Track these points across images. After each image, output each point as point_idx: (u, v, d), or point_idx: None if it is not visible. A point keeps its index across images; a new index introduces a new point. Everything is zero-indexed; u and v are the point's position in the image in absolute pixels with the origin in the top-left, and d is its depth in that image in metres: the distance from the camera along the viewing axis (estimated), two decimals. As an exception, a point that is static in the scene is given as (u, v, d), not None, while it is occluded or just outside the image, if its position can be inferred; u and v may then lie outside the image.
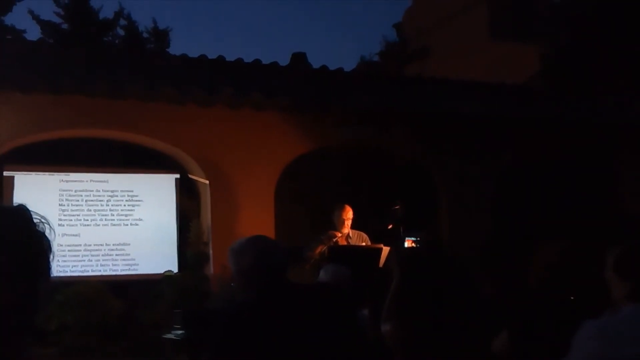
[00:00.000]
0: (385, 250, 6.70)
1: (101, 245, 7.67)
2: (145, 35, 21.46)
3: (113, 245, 7.72)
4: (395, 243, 6.75)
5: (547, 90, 11.42)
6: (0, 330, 1.05)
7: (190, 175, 8.05)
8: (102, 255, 7.65)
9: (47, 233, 1.14)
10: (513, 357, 2.61)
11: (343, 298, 2.87)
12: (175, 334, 6.30)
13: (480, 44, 15.07)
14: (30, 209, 1.15)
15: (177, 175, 8.12)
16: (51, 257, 1.14)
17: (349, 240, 7.05)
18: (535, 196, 9.10)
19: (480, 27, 15.35)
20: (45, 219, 1.14)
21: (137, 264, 7.77)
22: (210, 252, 7.59)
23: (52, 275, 1.14)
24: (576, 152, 9.48)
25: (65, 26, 19.93)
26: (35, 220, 1.13)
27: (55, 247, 1.16)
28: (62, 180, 7.67)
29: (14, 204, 1.17)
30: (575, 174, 9.37)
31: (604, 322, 2.18)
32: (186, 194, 8.20)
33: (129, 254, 7.77)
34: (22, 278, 1.07)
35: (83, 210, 7.67)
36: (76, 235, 7.56)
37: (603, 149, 9.50)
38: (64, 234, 7.42)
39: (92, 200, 7.73)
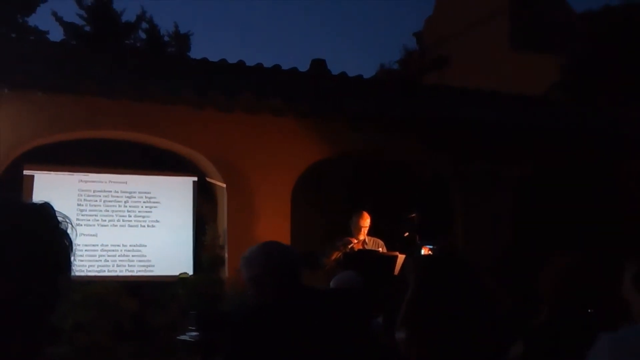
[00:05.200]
0: (401, 258, 6.69)
1: (118, 245, 7.72)
2: (166, 38, 21.60)
3: (130, 246, 7.77)
4: (411, 251, 6.74)
5: (566, 101, 11.35)
6: (17, 326, 1.06)
7: (207, 179, 8.09)
8: (119, 255, 7.70)
9: (69, 232, 1.15)
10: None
11: (356, 304, 2.86)
12: (189, 335, 6.32)
13: (500, 54, 15.01)
14: (54, 207, 1.16)
15: (195, 178, 8.16)
16: (72, 255, 1.15)
17: (365, 246, 7.04)
18: (553, 206, 9.03)
19: (501, 37, 15.29)
20: (68, 218, 1.16)
21: (153, 266, 7.81)
22: (226, 255, 7.61)
23: (72, 274, 1.16)
24: (595, 163, 9.41)
25: (87, 28, 20.11)
26: (58, 218, 1.15)
27: (74, 246, 1.17)
28: (81, 180, 7.73)
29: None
30: (595, 185, 9.30)
31: (621, 336, 2.16)
32: (203, 197, 8.23)
33: (145, 255, 7.81)
34: (42, 273, 1.08)
35: (101, 210, 7.73)
36: (94, 235, 7.61)
37: (622, 160, 9.42)
38: (81, 234, 7.39)
39: (110, 201, 7.78)
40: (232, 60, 8.14)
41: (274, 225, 7.52)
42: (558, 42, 14.17)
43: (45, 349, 1.13)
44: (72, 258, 1.14)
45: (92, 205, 7.71)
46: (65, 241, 1.14)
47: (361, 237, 7.03)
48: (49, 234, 1.11)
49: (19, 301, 1.05)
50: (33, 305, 1.07)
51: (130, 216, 7.84)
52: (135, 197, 7.89)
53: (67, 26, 19.89)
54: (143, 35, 21.35)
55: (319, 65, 9.47)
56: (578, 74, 13.48)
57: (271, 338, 2.44)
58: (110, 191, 7.81)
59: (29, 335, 1.08)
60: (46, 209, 1.14)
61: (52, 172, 7.62)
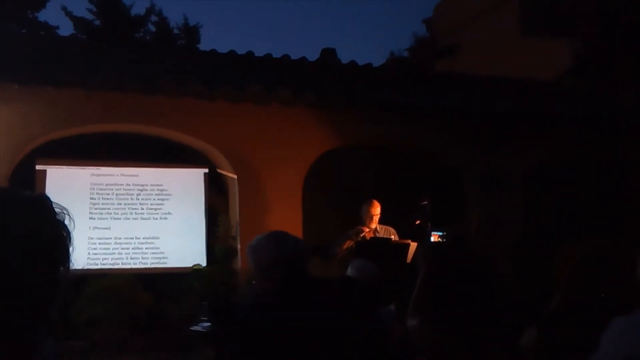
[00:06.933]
0: (413, 245, 6.69)
1: (131, 238, 7.76)
2: (176, 31, 21.58)
3: (143, 238, 7.81)
4: (423, 238, 6.74)
5: (578, 87, 11.24)
6: (15, 319, 1.05)
7: (218, 170, 8.10)
8: (132, 248, 7.75)
9: (66, 223, 1.14)
10: (542, 353, 2.58)
11: (364, 292, 2.86)
12: (203, 326, 6.36)
13: (511, 40, 14.91)
14: (51, 199, 1.15)
15: (206, 170, 8.18)
16: (70, 247, 1.14)
17: (377, 234, 7.05)
18: (565, 193, 8.97)
19: (511, 23, 15.19)
20: (65, 209, 1.15)
21: (167, 258, 7.85)
22: (238, 246, 7.63)
23: (72, 266, 1.14)
24: (608, 149, 9.33)
25: (97, 22, 20.15)
26: (56, 210, 1.13)
27: (75, 238, 1.15)
28: (93, 174, 7.77)
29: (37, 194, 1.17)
30: (607, 171, 9.22)
31: (634, 320, 2.15)
32: (215, 189, 8.25)
33: (158, 248, 7.85)
34: (40, 265, 1.07)
35: (113, 203, 7.76)
36: (107, 228, 7.66)
37: (635, 146, 9.33)
38: (94, 227, 7.53)
39: (122, 194, 7.82)
40: (241, 51, 8.13)
41: (285, 215, 7.52)
42: (569, 27, 14.03)
43: (44, 343, 1.12)
44: (70, 249, 1.13)
45: (105, 199, 7.74)
46: (63, 232, 1.13)
47: (373, 226, 7.03)
48: (46, 225, 1.11)
49: (16, 294, 1.04)
50: (31, 298, 1.06)
51: (142, 209, 7.87)
52: (147, 190, 7.92)
53: (77, 21, 19.93)
54: (152, 29, 21.36)
55: (329, 54, 9.44)
56: (591, 58, 13.35)
57: (278, 331, 2.45)
58: (122, 184, 7.85)
59: (28, 328, 1.07)
60: (43, 200, 1.13)
61: (64, 167, 7.66)
